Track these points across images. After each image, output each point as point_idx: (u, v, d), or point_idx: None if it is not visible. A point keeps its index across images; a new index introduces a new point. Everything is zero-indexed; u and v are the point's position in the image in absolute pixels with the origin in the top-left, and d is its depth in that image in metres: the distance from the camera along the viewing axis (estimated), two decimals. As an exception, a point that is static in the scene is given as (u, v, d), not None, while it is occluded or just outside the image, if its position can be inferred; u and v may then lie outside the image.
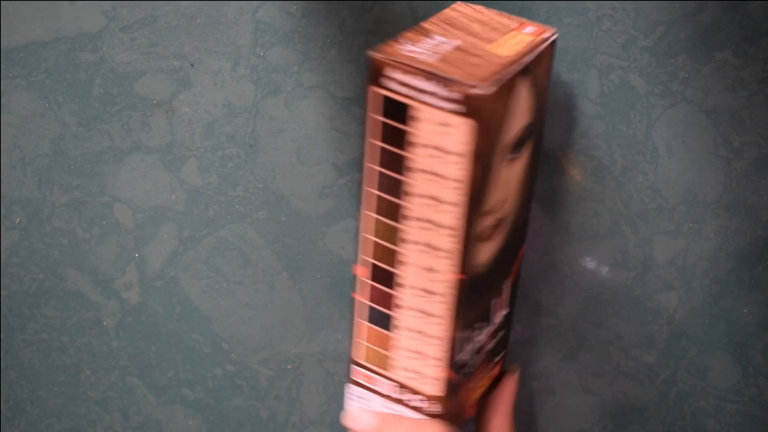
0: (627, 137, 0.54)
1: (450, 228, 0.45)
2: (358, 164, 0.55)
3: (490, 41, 0.46)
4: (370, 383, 0.51)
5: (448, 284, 0.46)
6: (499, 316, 0.51)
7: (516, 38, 0.46)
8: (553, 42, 0.47)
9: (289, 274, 0.58)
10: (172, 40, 0.53)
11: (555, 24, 0.52)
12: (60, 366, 0.60)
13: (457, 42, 0.45)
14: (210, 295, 0.58)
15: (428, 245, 0.46)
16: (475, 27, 0.47)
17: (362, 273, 0.48)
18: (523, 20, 0.48)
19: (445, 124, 0.43)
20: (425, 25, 0.47)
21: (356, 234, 0.56)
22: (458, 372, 0.49)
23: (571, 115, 0.54)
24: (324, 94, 0.54)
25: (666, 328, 0.59)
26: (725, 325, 0.58)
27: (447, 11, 0.49)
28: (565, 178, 0.55)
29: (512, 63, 0.44)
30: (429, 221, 0.45)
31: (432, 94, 0.42)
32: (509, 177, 0.46)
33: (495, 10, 0.50)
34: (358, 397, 0.51)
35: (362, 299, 0.49)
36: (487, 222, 0.46)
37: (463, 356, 0.49)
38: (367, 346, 0.50)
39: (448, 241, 0.45)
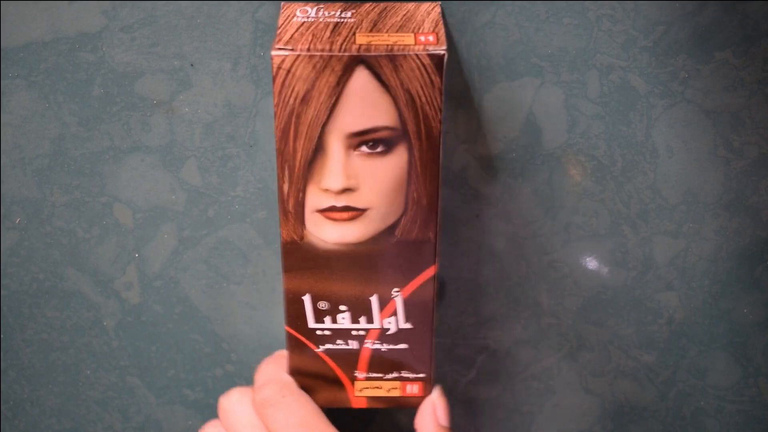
0: (627, 137, 0.54)
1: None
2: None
3: (371, 32, 0.47)
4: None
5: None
6: (388, 323, 0.51)
7: (393, 38, 0.47)
8: (436, 60, 0.46)
9: (289, 274, 0.58)
10: (172, 40, 0.53)
11: (555, 24, 0.52)
12: (60, 366, 0.60)
13: (351, 21, 0.48)
14: (210, 295, 0.58)
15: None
16: (390, 19, 0.48)
17: None
18: (435, 32, 0.48)
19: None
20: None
21: None
22: (307, 337, 0.51)
23: (571, 115, 0.54)
24: (324, 94, 0.54)
25: (666, 328, 0.59)
26: (725, 325, 0.58)
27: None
28: (565, 178, 0.55)
29: (348, 50, 0.46)
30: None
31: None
32: (366, 171, 0.47)
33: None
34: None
35: None
36: (329, 201, 0.48)
37: (317, 326, 0.51)
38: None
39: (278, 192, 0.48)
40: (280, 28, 0.47)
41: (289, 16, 0.48)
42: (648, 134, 0.54)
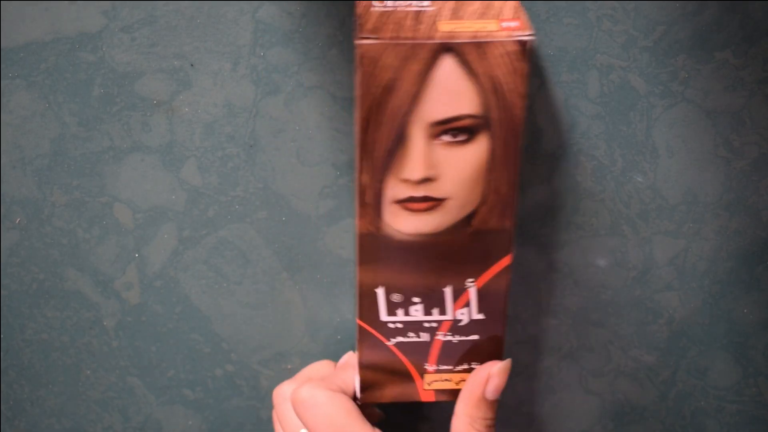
0: (627, 137, 0.54)
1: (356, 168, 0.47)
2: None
3: (452, 19, 0.47)
4: None
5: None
6: (461, 314, 0.51)
7: (478, 25, 0.46)
8: (523, 46, 0.46)
9: (289, 274, 0.58)
10: (172, 40, 0.53)
11: (555, 24, 0.52)
12: (60, 366, 0.60)
13: (431, 10, 0.47)
14: (210, 295, 0.58)
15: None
16: (469, 7, 0.48)
17: None
18: (518, 18, 0.48)
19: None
20: None
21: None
22: (380, 331, 0.51)
23: (571, 115, 0.54)
24: (324, 94, 0.54)
25: (666, 328, 0.59)
26: (725, 325, 0.58)
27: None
28: (566, 178, 0.55)
29: (433, 38, 0.45)
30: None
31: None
32: (447, 161, 0.47)
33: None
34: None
35: None
36: (408, 192, 0.47)
37: (390, 319, 0.51)
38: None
39: (356, 184, 0.48)
40: (359, 17, 0.46)
41: (366, 6, 0.47)
42: (648, 134, 0.54)
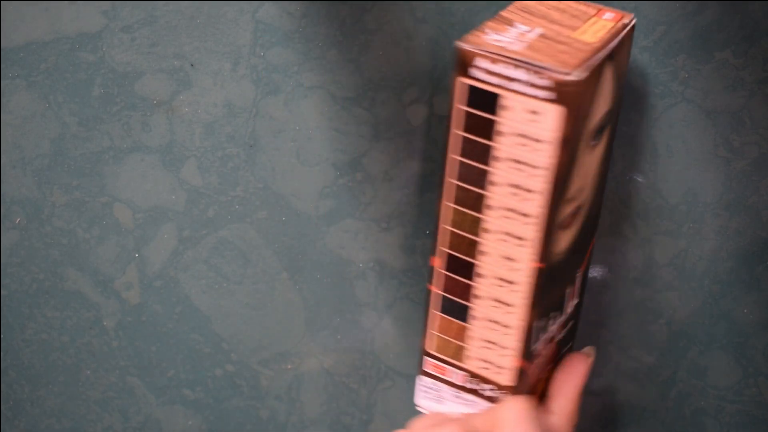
0: (627, 137, 0.54)
1: (533, 216, 0.45)
2: (358, 164, 0.55)
3: (573, 28, 0.46)
4: (442, 374, 0.51)
5: (527, 273, 0.46)
6: (570, 306, 0.51)
7: (597, 24, 0.47)
8: (632, 27, 0.48)
9: (289, 274, 0.58)
10: (172, 40, 0.53)
11: (555, 24, 0.52)
12: (60, 366, 0.60)
13: (540, 30, 0.46)
14: (210, 295, 0.58)
15: (509, 234, 0.46)
16: (555, 14, 0.48)
17: (438, 264, 0.48)
18: (600, 6, 0.49)
19: (534, 112, 0.43)
20: (505, 14, 0.47)
21: (355, 231, 0.57)
22: (530, 361, 0.49)
23: (571, 115, 0.54)
24: (324, 94, 0.54)
25: (666, 328, 0.59)
26: (725, 325, 0.58)
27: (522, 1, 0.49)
28: (565, 178, 0.55)
29: (599, 49, 0.44)
30: (512, 210, 0.45)
31: (522, 82, 0.43)
32: (589, 164, 0.47)
33: None
34: (428, 388, 0.52)
35: (437, 290, 0.49)
36: (568, 210, 0.46)
37: (538, 346, 0.49)
38: (440, 337, 0.50)
39: (530, 229, 0.45)
40: (524, 60, 0.43)
41: (496, 48, 0.44)
42: (648, 134, 0.54)
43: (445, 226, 0.47)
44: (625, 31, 0.47)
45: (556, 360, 0.52)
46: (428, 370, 0.51)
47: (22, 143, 0.55)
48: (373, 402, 0.61)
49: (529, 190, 0.45)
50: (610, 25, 0.47)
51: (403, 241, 0.57)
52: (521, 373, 0.49)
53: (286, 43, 0.53)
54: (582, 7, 0.49)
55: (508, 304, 0.47)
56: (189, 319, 0.59)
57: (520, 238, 0.46)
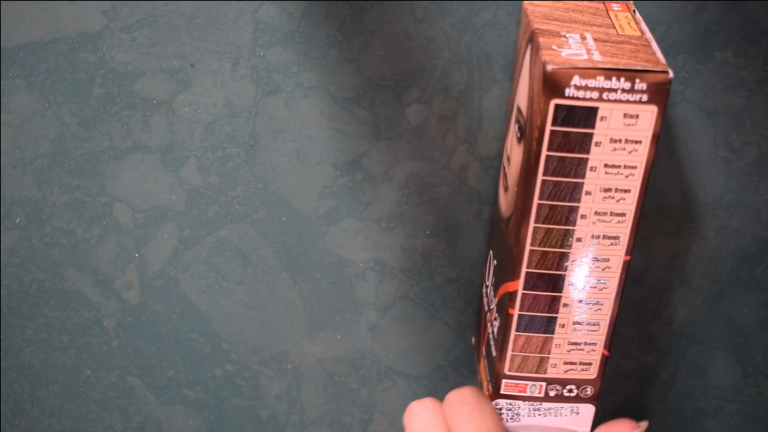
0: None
1: (627, 214, 0.46)
2: (358, 164, 0.55)
3: (609, 26, 0.47)
4: (522, 392, 0.51)
5: (618, 268, 0.47)
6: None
7: (621, 17, 0.47)
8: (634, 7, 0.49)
9: (289, 274, 0.58)
10: (172, 40, 0.53)
11: (555, 24, 0.52)
12: (60, 366, 0.60)
13: (589, 34, 0.46)
14: (210, 295, 0.58)
15: (603, 236, 0.47)
16: (579, 16, 0.48)
17: (520, 286, 0.49)
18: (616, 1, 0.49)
19: (631, 116, 0.44)
20: (542, 27, 0.47)
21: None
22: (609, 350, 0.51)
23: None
24: (324, 94, 0.54)
25: (666, 328, 0.59)
26: (725, 325, 0.58)
27: (531, 9, 0.49)
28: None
29: (650, 40, 0.45)
30: (605, 213, 0.46)
31: (619, 90, 0.43)
32: None
33: None
34: (505, 409, 0.52)
35: (521, 312, 0.49)
36: None
37: None
38: (521, 356, 0.50)
39: (623, 227, 0.46)
40: (619, 68, 0.44)
41: (586, 63, 0.44)
42: (648, 134, 0.54)
43: (533, 248, 0.47)
44: (639, 17, 0.48)
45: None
46: (506, 392, 0.51)
47: (22, 143, 0.55)
48: (373, 402, 0.61)
49: (625, 190, 0.45)
50: (628, 14, 0.48)
51: (403, 241, 0.57)
52: (604, 363, 0.50)
53: (286, 43, 0.53)
54: (589, 3, 0.49)
55: (597, 303, 0.48)
56: (189, 319, 0.59)
57: (613, 238, 0.47)
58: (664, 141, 0.54)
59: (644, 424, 0.52)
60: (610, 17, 0.48)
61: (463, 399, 0.50)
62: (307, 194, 0.56)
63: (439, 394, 0.60)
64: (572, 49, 0.45)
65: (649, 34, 0.47)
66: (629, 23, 0.47)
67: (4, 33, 0.53)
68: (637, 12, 0.49)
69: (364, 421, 0.61)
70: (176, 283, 0.58)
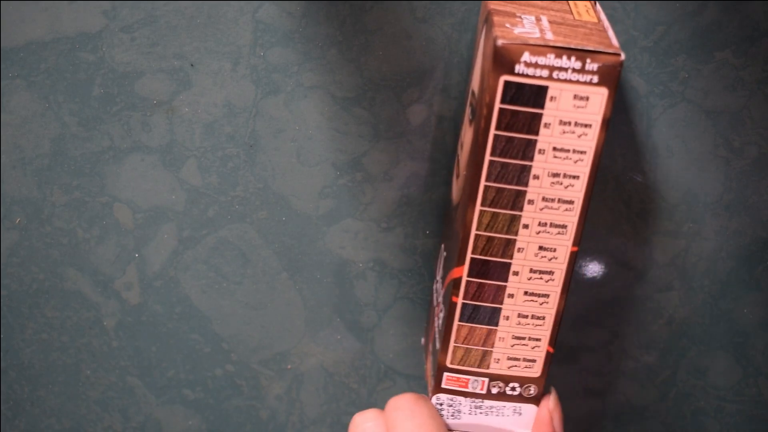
0: (627, 137, 0.54)
1: (576, 201, 0.45)
2: (358, 164, 0.55)
3: (567, 11, 0.46)
4: (463, 386, 0.50)
5: (565, 259, 0.46)
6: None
7: (580, 5, 0.47)
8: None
9: (289, 274, 0.58)
10: (172, 40, 0.53)
11: (555, 24, 0.52)
12: (60, 366, 0.60)
13: (545, 16, 0.46)
14: (210, 295, 0.58)
15: (550, 224, 0.46)
16: (536, 1, 0.48)
17: (466, 272, 0.47)
18: None
19: (581, 98, 0.43)
20: (498, 7, 0.47)
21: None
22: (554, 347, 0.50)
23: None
24: (324, 94, 0.54)
25: (666, 328, 0.59)
26: (725, 325, 0.58)
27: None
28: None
29: (605, 27, 0.45)
30: (553, 200, 0.45)
31: (570, 70, 0.43)
32: None
33: None
34: (444, 405, 0.51)
35: (465, 300, 0.48)
36: None
37: None
38: (463, 348, 0.49)
39: (571, 215, 0.45)
40: (571, 47, 0.43)
41: (538, 40, 0.44)
42: (648, 134, 0.54)
43: (478, 232, 0.46)
44: (599, 7, 0.47)
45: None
46: (447, 386, 0.50)
47: (22, 143, 0.55)
48: (373, 402, 0.61)
49: (574, 176, 0.45)
50: (588, 4, 0.47)
51: (403, 241, 0.57)
52: (548, 360, 0.49)
53: (286, 43, 0.53)
54: None
55: (543, 295, 0.47)
56: (189, 319, 0.59)
57: (560, 226, 0.46)
58: (664, 141, 0.55)
59: (551, 393, 0.51)
60: (569, 5, 0.48)
61: (399, 404, 0.49)
62: (307, 194, 0.56)
63: (439, 394, 0.60)
64: (525, 27, 0.44)
65: (606, 23, 0.46)
66: (587, 11, 0.47)
67: (4, 33, 0.53)
68: (598, 4, 0.49)
69: (364, 421, 0.61)
70: (176, 283, 0.58)
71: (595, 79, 0.43)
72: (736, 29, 0.52)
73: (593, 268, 0.57)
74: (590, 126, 0.44)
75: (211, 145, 0.55)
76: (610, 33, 0.45)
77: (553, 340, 0.49)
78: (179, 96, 0.54)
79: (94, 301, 0.59)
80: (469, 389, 0.50)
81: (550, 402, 0.50)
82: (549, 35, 0.44)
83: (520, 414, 0.50)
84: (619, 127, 0.54)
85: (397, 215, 0.56)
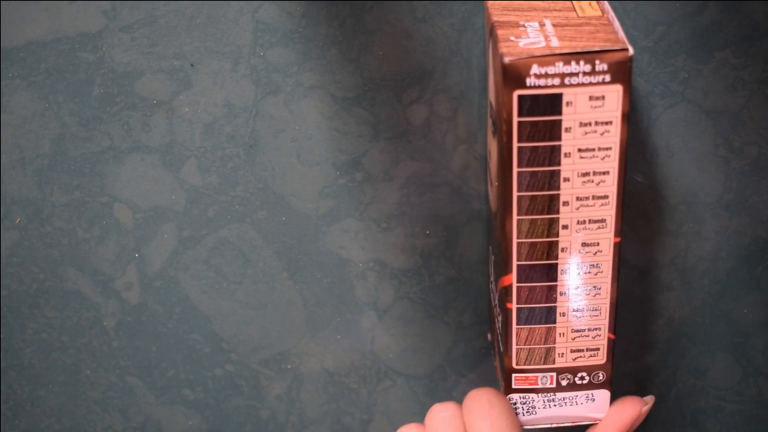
0: (627, 137, 0.54)
1: (609, 196, 0.46)
2: (358, 164, 0.55)
3: (570, 9, 0.46)
4: (533, 384, 0.51)
5: (610, 250, 0.47)
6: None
7: (575, 3, 0.47)
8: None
9: (289, 274, 0.58)
10: (172, 40, 0.53)
11: (555, 24, 0.52)
12: (60, 366, 0.60)
13: (548, 20, 0.46)
14: (210, 295, 0.58)
15: (588, 221, 0.47)
16: (537, 3, 0.48)
17: (514, 280, 0.48)
18: None
19: (597, 98, 0.43)
20: (500, 18, 0.47)
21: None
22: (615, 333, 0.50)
23: (571, 115, 0.54)
24: (324, 94, 0.54)
25: (666, 328, 0.59)
26: (725, 325, 0.58)
27: (491, 4, 0.49)
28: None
29: (611, 20, 0.45)
30: (587, 198, 0.46)
31: (580, 73, 0.43)
32: None
33: None
34: (520, 403, 0.52)
35: (519, 305, 0.49)
36: None
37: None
38: (526, 349, 0.50)
39: (608, 208, 0.46)
40: (576, 51, 0.43)
41: (543, 50, 0.44)
42: (648, 134, 0.54)
43: (520, 240, 0.47)
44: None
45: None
46: (517, 386, 0.51)
47: (22, 143, 0.55)
48: (373, 402, 0.61)
49: (603, 173, 0.45)
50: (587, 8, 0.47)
51: (403, 241, 0.57)
52: (612, 346, 0.50)
53: (286, 43, 0.53)
54: None
55: (595, 288, 0.48)
56: (189, 319, 0.59)
57: (599, 221, 0.46)
58: (664, 141, 0.55)
59: (650, 399, 0.53)
60: (572, 3, 0.48)
61: (478, 398, 0.51)
62: (307, 194, 0.56)
63: (439, 394, 0.60)
64: (530, 38, 0.45)
65: (611, 14, 0.46)
66: (590, 5, 0.47)
67: (4, 33, 0.53)
68: None
69: (364, 421, 0.61)
70: (176, 283, 0.58)
71: (608, 78, 0.43)
72: (736, 29, 0.52)
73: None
74: (611, 123, 0.44)
75: (211, 145, 0.55)
76: (616, 25, 0.45)
77: (613, 327, 0.49)
78: (179, 96, 0.54)
79: (94, 301, 0.59)
80: (539, 386, 0.51)
81: (647, 405, 0.52)
82: (554, 42, 0.44)
83: (594, 400, 0.51)
84: (619, 127, 0.54)
85: (397, 215, 0.56)
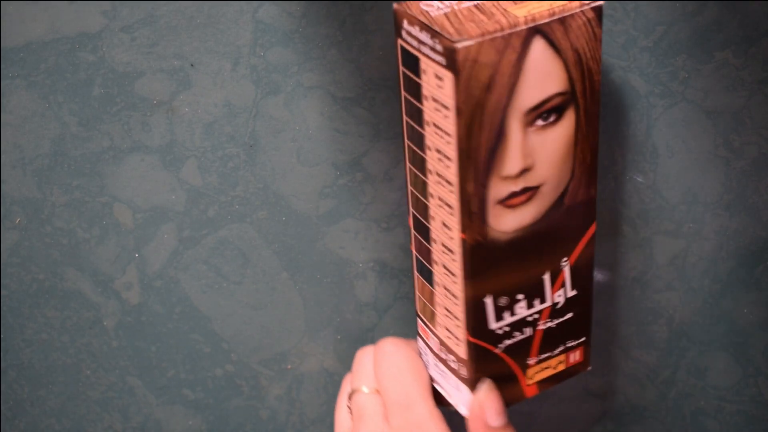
0: (627, 137, 0.54)
1: (454, 184, 0.45)
2: (358, 164, 0.55)
3: (514, 2, 0.46)
4: (426, 338, 0.52)
5: (459, 243, 0.46)
6: (558, 296, 0.50)
7: (545, 3, 0.46)
8: (598, 11, 0.46)
9: (289, 274, 0.58)
10: (172, 40, 0.53)
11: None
12: (60, 366, 0.60)
13: (472, 2, 0.46)
14: (210, 295, 0.58)
15: (442, 200, 0.46)
16: None
17: (410, 223, 0.49)
18: None
19: (438, 77, 0.44)
20: None
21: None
22: (488, 340, 0.49)
23: (571, 115, 0.54)
24: (324, 94, 0.54)
25: (666, 328, 0.59)
26: (725, 325, 0.58)
27: None
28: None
29: (518, 24, 0.44)
30: (440, 176, 0.46)
31: (428, 46, 0.44)
32: (540, 145, 0.46)
33: None
34: (423, 354, 0.53)
35: (414, 253, 0.49)
36: (509, 188, 0.46)
37: (498, 325, 0.49)
38: (420, 299, 0.50)
39: (453, 198, 0.45)
40: (430, 23, 0.44)
41: (420, 12, 0.45)
42: (648, 134, 0.54)
43: (409, 187, 0.48)
44: (571, 12, 0.45)
45: (554, 351, 0.52)
46: (419, 332, 0.52)
47: (22, 143, 0.55)
48: (373, 402, 0.61)
49: (447, 157, 0.45)
50: (560, 4, 0.45)
51: (403, 241, 0.57)
52: (473, 349, 0.49)
53: (286, 43, 0.53)
54: None
55: (453, 273, 0.48)
56: (189, 319, 0.59)
57: (449, 206, 0.46)
58: (664, 141, 0.55)
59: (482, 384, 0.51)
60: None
61: (384, 343, 0.52)
62: (307, 194, 0.56)
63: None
64: (437, 3, 0.45)
65: (541, 22, 0.44)
66: (537, 8, 0.45)
67: (4, 33, 0.53)
68: (591, 8, 0.46)
69: (364, 421, 0.61)
70: (176, 283, 0.58)
71: (443, 61, 0.43)
72: (736, 29, 0.52)
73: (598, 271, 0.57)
74: (449, 108, 0.44)
75: (211, 145, 0.55)
76: (515, 30, 0.44)
77: (473, 330, 0.48)
78: (179, 96, 0.54)
79: (94, 301, 0.59)
80: (430, 343, 0.51)
81: (481, 393, 0.50)
82: (439, 13, 0.44)
83: (460, 391, 0.51)
84: (619, 127, 0.54)
85: (397, 215, 0.56)
